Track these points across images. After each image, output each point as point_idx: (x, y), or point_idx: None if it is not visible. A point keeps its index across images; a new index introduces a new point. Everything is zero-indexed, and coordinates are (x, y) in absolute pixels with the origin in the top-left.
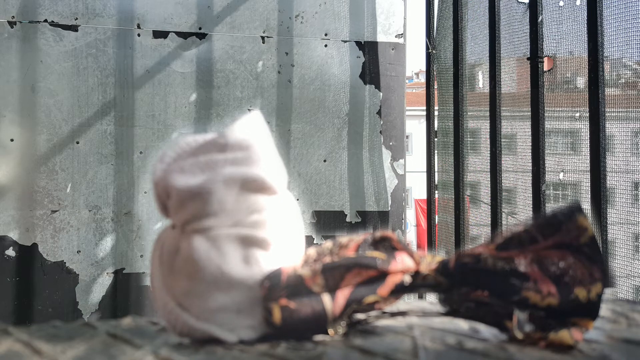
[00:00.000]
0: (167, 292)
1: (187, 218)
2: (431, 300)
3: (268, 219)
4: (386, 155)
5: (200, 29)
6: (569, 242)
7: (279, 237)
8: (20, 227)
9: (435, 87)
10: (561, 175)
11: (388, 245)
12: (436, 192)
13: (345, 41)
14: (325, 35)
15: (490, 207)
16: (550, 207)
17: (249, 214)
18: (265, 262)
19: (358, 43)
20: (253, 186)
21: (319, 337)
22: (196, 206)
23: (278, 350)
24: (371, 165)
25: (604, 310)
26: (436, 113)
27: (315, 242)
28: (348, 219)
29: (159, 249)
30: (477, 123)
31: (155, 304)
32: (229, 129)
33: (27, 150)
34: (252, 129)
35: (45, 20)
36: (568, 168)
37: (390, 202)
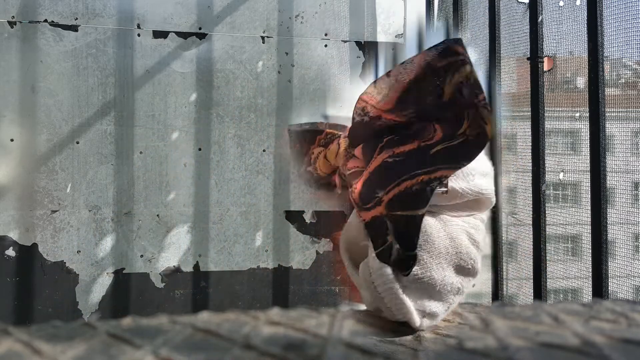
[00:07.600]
0: None
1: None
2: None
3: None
4: None
5: (200, 29)
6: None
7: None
8: (20, 227)
9: None
10: (561, 175)
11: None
12: None
13: (345, 41)
14: (325, 35)
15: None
16: (550, 207)
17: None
18: None
19: (358, 43)
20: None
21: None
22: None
23: (278, 350)
24: None
25: (606, 309)
26: None
27: (313, 241)
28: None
29: None
30: None
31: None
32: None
33: (27, 150)
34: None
35: (45, 20)
36: (568, 168)
37: None
